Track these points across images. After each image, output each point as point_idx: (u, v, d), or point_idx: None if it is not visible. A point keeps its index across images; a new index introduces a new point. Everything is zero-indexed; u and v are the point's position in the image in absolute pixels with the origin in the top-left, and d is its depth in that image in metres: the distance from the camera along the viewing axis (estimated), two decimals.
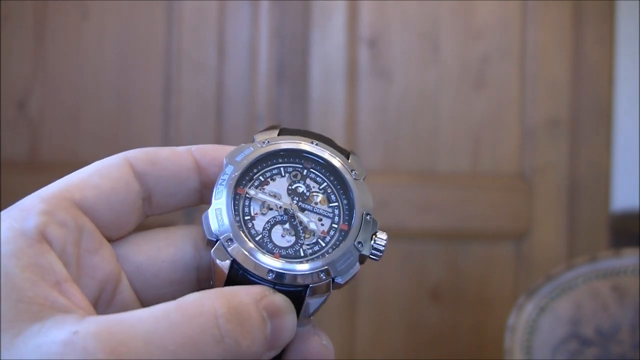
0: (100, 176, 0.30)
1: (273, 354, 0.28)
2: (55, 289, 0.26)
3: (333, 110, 1.54)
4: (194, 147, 0.32)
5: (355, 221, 0.30)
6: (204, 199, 0.32)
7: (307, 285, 0.29)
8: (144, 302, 0.31)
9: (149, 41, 1.54)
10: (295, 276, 0.29)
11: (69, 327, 0.24)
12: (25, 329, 0.24)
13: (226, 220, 0.29)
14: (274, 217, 0.30)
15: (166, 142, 1.53)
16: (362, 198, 0.31)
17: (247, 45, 1.55)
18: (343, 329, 1.52)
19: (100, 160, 0.31)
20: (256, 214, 0.30)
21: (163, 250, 0.31)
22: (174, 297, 0.31)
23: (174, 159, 0.32)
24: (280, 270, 0.29)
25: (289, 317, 0.28)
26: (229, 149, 0.32)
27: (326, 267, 0.29)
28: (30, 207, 0.28)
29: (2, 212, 0.28)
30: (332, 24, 1.55)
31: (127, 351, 0.24)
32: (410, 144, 1.56)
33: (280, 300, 0.28)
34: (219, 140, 1.53)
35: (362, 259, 0.30)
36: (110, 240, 0.31)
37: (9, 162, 1.51)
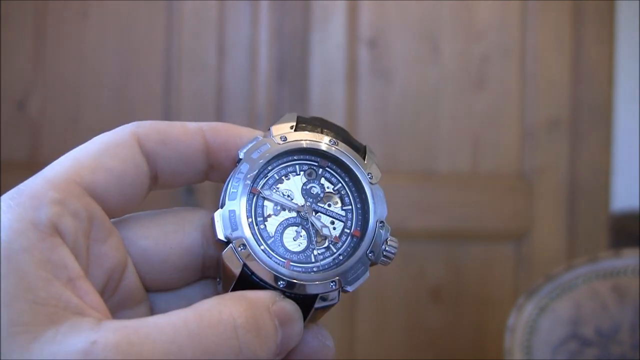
0: (110, 157, 0.29)
1: (279, 358, 0.28)
2: (68, 287, 0.25)
3: (333, 111, 1.54)
4: (205, 126, 0.31)
5: (369, 230, 0.30)
6: (209, 177, 0.32)
7: (317, 295, 0.29)
8: (149, 287, 0.31)
9: (149, 41, 1.54)
10: (305, 286, 0.29)
11: (86, 334, 0.24)
12: (41, 334, 0.24)
13: (239, 224, 0.29)
14: (286, 219, 0.30)
15: None
16: (377, 205, 0.31)
17: (247, 45, 1.55)
18: (343, 329, 1.51)
19: (107, 135, 0.30)
20: (269, 215, 0.30)
21: (171, 236, 0.31)
22: (178, 283, 0.31)
23: (184, 139, 0.31)
24: (291, 280, 0.29)
25: (298, 324, 0.28)
26: (241, 130, 0.31)
27: (337, 277, 0.29)
28: (41, 194, 0.27)
29: (9, 198, 0.27)
30: (332, 24, 1.55)
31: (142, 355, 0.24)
32: (410, 144, 1.56)
33: (290, 307, 0.28)
34: None
35: (372, 265, 0.30)
36: (115, 217, 0.30)
37: (9, 162, 1.51)
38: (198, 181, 0.32)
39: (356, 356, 1.54)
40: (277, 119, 1.30)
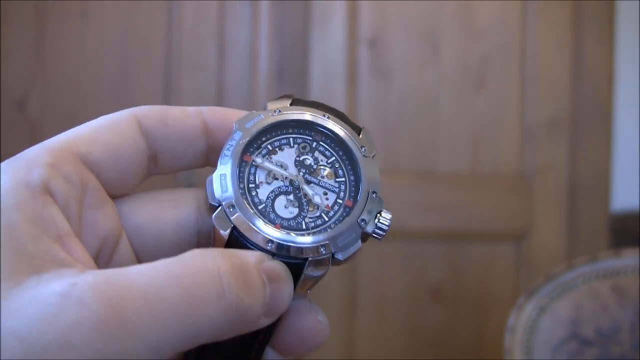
0: (108, 130, 0.30)
1: (268, 321, 0.27)
2: (57, 243, 0.26)
3: None
4: (204, 109, 0.32)
5: (361, 198, 0.30)
6: (210, 161, 0.32)
7: (306, 259, 0.28)
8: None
9: (149, 41, 1.54)
10: (294, 248, 0.28)
11: (68, 279, 0.24)
12: (23, 281, 0.24)
13: (230, 187, 0.29)
14: (278, 187, 0.30)
15: None
16: (370, 175, 0.31)
17: (247, 45, 1.55)
18: (343, 329, 1.51)
19: (108, 115, 0.30)
20: (261, 182, 0.30)
21: (166, 211, 0.31)
22: None
23: (183, 119, 0.31)
24: (280, 241, 0.28)
25: (287, 285, 0.28)
26: (239, 113, 0.32)
27: (327, 242, 0.29)
28: (36, 158, 0.27)
29: (7, 162, 0.27)
30: (332, 24, 1.55)
31: (124, 302, 0.24)
32: (410, 144, 1.56)
33: (279, 266, 0.28)
34: None
35: (365, 237, 0.30)
36: (113, 197, 0.30)
37: None
38: (198, 165, 0.32)
39: (356, 356, 1.54)
40: None
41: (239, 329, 0.26)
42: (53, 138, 0.29)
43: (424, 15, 1.56)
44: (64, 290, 0.24)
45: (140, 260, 0.30)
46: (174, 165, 0.32)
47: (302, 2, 1.55)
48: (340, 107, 1.54)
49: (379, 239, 0.30)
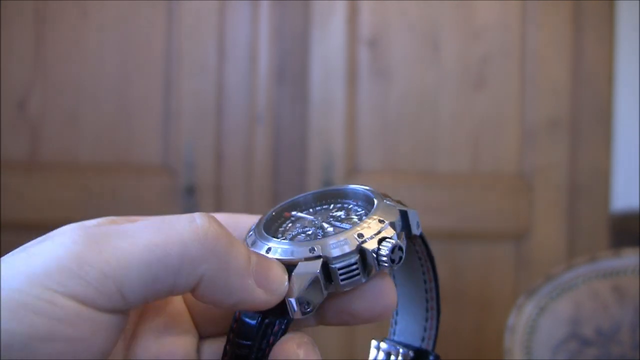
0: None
1: (263, 295, 0.27)
2: None
3: (333, 111, 1.54)
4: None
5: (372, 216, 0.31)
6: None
7: (296, 263, 0.28)
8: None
9: (149, 41, 1.54)
10: (286, 250, 0.29)
11: None
12: None
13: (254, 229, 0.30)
14: (302, 230, 0.31)
15: (166, 142, 1.53)
16: (383, 210, 0.31)
17: (247, 45, 1.55)
18: (343, 329, 1.51)
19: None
20: (289, 227, 0.31)
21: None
22: None
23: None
24: (276, 246, 0.29)
25: (279, 267, 0.28)
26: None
27: (319, 245, 0.29)
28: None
29: None
30: (332, 24, 1.55)
31: (100, 227, 0.25)
32: (410, 144, 1.56)
33: (270, 259, 0.28)
34: (218, 139, 1.53)
35: (362, 253, 0.29)
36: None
37: (9, 162, 1.51)
38: None
39: (356, 356, 1.54)
40: (277, 119, 1.31)
41: (222, 265, 0.26)
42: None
43: (424, 15, 1.56)
44: (50, 233, 0.26)
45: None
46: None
47: (302, 2, 1.55)
48: (340, 107, 1.54)
49: (386, 267, 0.29)
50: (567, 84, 1.56)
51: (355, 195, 0.32)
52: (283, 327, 0.28)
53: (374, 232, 0.29)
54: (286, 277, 0.28)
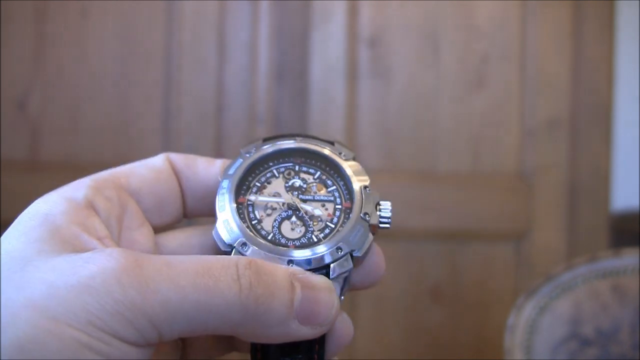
0: (144, 167, 0.33)
1: (310, 331, 0.27)
2: (97, 241, 0.28)
3: (333, 111, 1.54)
4: (227, 161, 0.34)
5: (356, 196, 0.31)
6: None
7: (328, 265, 0.29)
8: None
9: (149, 41, 1.54)
10: (314, 259, 0.29)
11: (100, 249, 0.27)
12: (58, 255, 0.27)
13: (235, 227, 0.30)
14: (279, 215, 0.31)
15: (166, 142, 1.53)
16: (357, 174, 0.32)
17: (247, 45, 1.55)
18: None
19: (144, 159, 0.34)
20: (262, 216, 0.31)
21: (195, 237, 0.33)
22: None
23: (206, 165, 0.34)
24: (299, 258, 0.29)
25: (325, 293, 0.28)
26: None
27: (340, 243, 0.29)
28: (81, 183, 0.31)
29: (57, 188, 0.30)
30: (332, 23, 1.55)
31: (147, 261, 0.26)
32: (410, 144, 1.56)
33: (315, 277, 0.28)
34: (218, 140, 1.53)
35: (373, 229, 0.31)
36: (153, 228, 0.33)
37: (9, 162, 1.51)
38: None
39: (356, 356, 1.54)
40: (277, 119, 1.31)
41: (261, 324, 0.26)
42: (96, 173, 0.32)
43: (424, 15, 1.56)
44: (95, 251, 0.27)
45: None
46: (196, 209, 0.34)
47: (302, 2, 1.55)
48: (340, 107, 1.54)
49: (388, 227, 0.31)
50: (567, 84, 1.56)
51: (284, 155, 0.33)
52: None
53: (373, 204, 0.31)
54: (335, 298, 0.28)
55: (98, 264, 0.26)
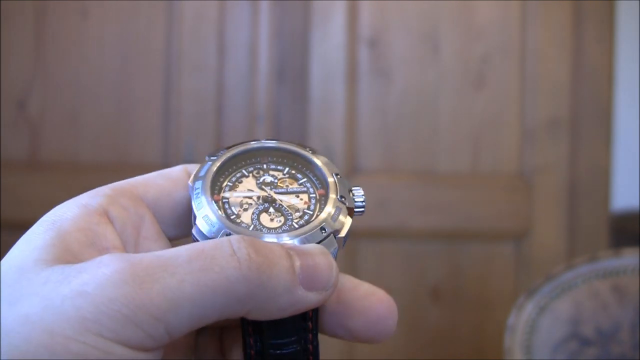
0: (161, 177, 0.32)
1: (316, 296, 0.27)
2: (102, 253, 0.27)
3: (333, 111, 1.54)
4: None
5: (330, 183, 0.32)
6: None
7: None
8: None
9: (149, 41, 1.54)
10: (300, 240, 0.29)
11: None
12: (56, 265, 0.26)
13: (216, 220, 0.30)
14: (256, 208, 0.31)
15: (166, 142, 1.53)
16: (326, 164, 0.32)
17: (247, 45, 1.55)
18: None
19: (162, 170, 0.33)
20: (239, 212, 0.31)
21: None
22: None
23: None
24: (286, 241, 0.29)
25: (323, 257, 0.28)
26: None
27: (322, 224, 0.30)
28: (99, 190, 0.30)
29: (75, 197, 0.30)
30: (332, 24, 1.55)
31: (141, 260, 0.25)
32: (410, 144, 1.56)
33: (308, 245, 0.28)
34: (219, 140, 1.53)
35: (350, 212, 0.31)
36: (170, 240, 0.32)
37: (9, 162, 1.51)
38: None
39: (356, 356, 1.54)
40: (277, 119, 1.31)
41: (268, 294, 0.26)
42: (113, 183, 0.31)
43: (424, 15, 1.56)
44: (87, 261, 0.25)
45: None
46: None
47: (302, 2, 1.55)
48: (340, 107, 1.54)
49: (362, 213, 0.31)
50: (567, 84, 1.56)
51: (250, 155, 0.33)
52: (315, 310, 0.29)
53: (347, 190, 0.31)
54: (332, 260, 0.28)
55: (90, 271, 0.25)
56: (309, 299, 0.27)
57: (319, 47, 1.55)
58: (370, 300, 0.31)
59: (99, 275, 0.25)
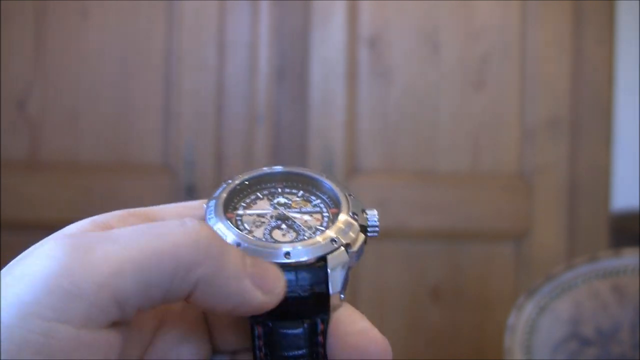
0: (179, 205, 0.31)
1: (262, 297, 0.26)
2: None
3: (333, 110, 1.54)
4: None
5: (342, 201, 0.32)
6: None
7: (325, 258, 0.29)
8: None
9: (149, 41, 1.54)
10: (310, 250, 0.29)
11: None
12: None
13: (227, 232, 0.29)
14: (269, 225, 0.31)
15: (166, 142, 1.53)
16: (339, 185, 0.32)
17: (247, 45, 1.55)
18: None
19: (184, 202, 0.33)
20: (252, 228, 0.31)
21: None
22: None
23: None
24: (295, 249, 0.29)
25: (273, 266, 0.27)
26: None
27: (335, 235, 0.30)
28: (115, 212, 0.29)
29: None
30: (332, 24, 1.55)
31: (83, 235, 0.24)
32: (410, 144, 1.56)
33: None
34: (219, 140, 1.53)
35: (363, 230, 0.31)
36: None
37: (9, 162, 1.51)
38: None
39: None
40: (277, 119, 1.31)
41: (217, 268, 0.25)
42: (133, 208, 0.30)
43: (424, 14, 1.56)
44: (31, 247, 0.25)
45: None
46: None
47: (302, 2, 1.55)
48: (340, 107, 1.54)
49: (376, 235, 0.31)
50: (567, 84, 1.56)
51: (266, 180, 0.34)
52: (326, 323, 0.29)
53: (359, 209, 0.31)
54: (283, 276, 0.28)
55: (33, 255, 0.23)
56: (255, 295, 0.26)
57: (319, 47, 1.55)
58: (364, 338, 0.29)
59: (40, 254, 0.23)
